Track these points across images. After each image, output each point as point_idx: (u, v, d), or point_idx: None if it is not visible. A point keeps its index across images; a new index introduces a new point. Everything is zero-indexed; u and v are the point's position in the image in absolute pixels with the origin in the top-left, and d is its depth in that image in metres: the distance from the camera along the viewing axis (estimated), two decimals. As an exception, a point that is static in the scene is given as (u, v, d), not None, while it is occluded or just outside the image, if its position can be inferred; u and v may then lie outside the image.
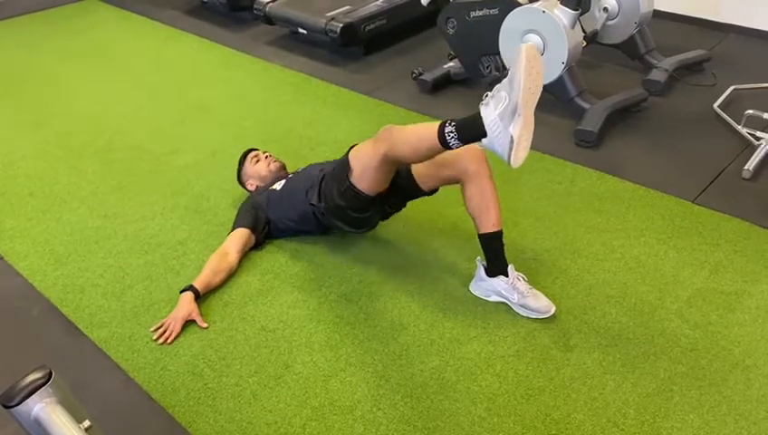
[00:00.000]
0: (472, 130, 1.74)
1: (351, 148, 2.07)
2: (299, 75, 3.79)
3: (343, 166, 2.05)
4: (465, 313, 2.07)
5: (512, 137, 1.67)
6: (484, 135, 1.71)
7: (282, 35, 4.31)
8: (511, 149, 1.68)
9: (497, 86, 1.72)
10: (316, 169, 2.30)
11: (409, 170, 2.13)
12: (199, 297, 2.12)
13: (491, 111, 1.70)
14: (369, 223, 2.24)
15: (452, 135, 1.76)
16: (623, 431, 1.69)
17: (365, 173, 2.00)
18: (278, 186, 2.39)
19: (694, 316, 2.02)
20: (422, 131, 1.84)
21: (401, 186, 2.16)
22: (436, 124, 1.78)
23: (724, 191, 2.59)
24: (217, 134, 3.20)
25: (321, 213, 2.21)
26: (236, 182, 2.63)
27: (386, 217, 2.30)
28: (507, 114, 1.67)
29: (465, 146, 1.81)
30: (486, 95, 1.74)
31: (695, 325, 1.99)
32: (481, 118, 1.71)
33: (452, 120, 1.77)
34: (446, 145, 1.78)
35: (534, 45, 1.67)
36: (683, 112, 3.16)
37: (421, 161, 2.03)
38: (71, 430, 1.01)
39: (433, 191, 2.20)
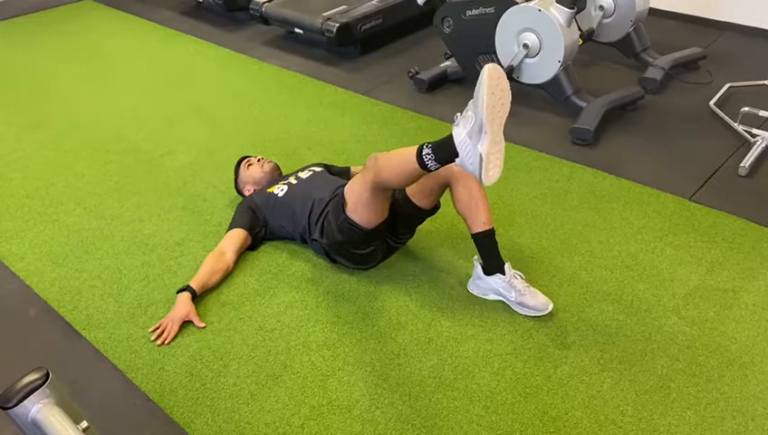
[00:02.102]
0: (446, 151, 1.76)
1: (346, 184, 2.11)
2: (295, 75, 3.79)
3: (340, 200, 2.09)
4: (463, 311, 2.07)
5: (481, 155, 1.68)
6: (457, 155, 1.74)
7: (278, 35, 4.31)
8: (481, 167, 1.69)
9: (467, 106, 1.75)
10: (318, 188, 2.30)
11: (405, 194, 2.15)
12: (196, 297, 2.12)
13: (460, 130, 1.72)
14: (372, 259, 2.24)
15: (429, 157, 1.79)
16: (621, 429, 1.69)
17: (358, 204, 2.03)
18: (279, 191, 2.37)
19: (691, 313, 2.03)
20: (403, 156, 1.87)
21: (401, 212, 2.17)
22: (416, 148, 1.82)
23: (720, 188, 2.60)
24: (214, 135, 3.20)
25: (323, 249, 2.23)
26: (233, 182, 2.62)
27: (391, 252, 2.31)
28: (475, 132, 1.70)
29: None
30: (457, 116, 1.76)
31: (692, 322, 1.99)
32: (453, 138, 1.73)
33: (429, 143, 1.80)
34: (424, 167, 1.81)
35: (497, 66, 1.70)
36: (679, 110, 3.17)
37: (406, 185, 2.06)
38: (68, 432, 1.01)
39: (435, 208, 2.21)
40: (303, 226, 2.28)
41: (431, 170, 1.83)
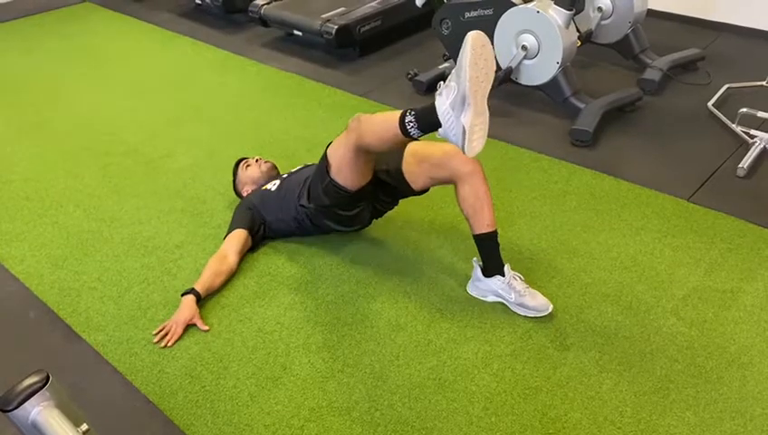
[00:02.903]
0: (429, 120, 1.73)
1: (329, 144, 2.08)
2: (294, 77, 3.79)
3: (323, 163, 2.07)
4: (462, 313, 2.08)
5: (463, 127, 1.65)
6: (440, 125, 1.71)
7: (277, 37, 4.32)
8: (464, 138, 1.66)
9: (450, 75, 1.71)
10: (308, 171, 2.31)
11: (400, 169, 2.13)
12: (200, 300, 2.12)
13: (443, 100, 1.69)
14: (360, 220, 2.24)
15: (412, 124, 1.76)
16: (620, 430, 1.70)
17: (341, 166, 2.01)
18: (272, 186, 2.39)
19: (689, 314, 2.03)
20: (386, 121, 1.83)
21: (391, 185, 2.16)
22: (399, 113, 1.79)
23: (718, 190, 2.60)
24: (213, 137, 3.20)
25: (312, 214, 2.22)
26: (232, 184, 2.62)
27: (378, 214, 2.31)
28: (458, 104, 1.66)
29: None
30: (440, 85, 1.73)
31: (690, 323, 2.00)
32: (436, 108, 1.71)
33: (412, 110, 1.77)
34: (407, 134, 1.78)
35: (481, 33, 1.64)
36: (677, 111, 3.17)
37: (389, 150, 2.02)
38: (68, 434, 1.01)
39: (424, 191, 2.20)
40: (294, 205, 2.27)
41: (414, 138, 1.80)
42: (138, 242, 2.47)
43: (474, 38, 1.63)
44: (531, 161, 2.85)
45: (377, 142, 1.89)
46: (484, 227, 2.05)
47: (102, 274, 2.32)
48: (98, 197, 2.76)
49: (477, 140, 1.68)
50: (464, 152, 1.69)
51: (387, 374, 1.88)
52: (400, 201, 2.30)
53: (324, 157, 2.07)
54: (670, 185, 2.63)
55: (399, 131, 1.78)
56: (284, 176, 2.43)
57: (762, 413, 1.72)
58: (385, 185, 2.17)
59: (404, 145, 2.07)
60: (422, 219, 2.49)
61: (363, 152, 1.95)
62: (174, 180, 2.85)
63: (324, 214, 2.19)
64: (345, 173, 2.02)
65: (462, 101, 1.66)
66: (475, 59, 1.63)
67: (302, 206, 2.23)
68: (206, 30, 4.54)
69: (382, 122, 1.86)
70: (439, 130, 1.73)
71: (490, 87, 1.70)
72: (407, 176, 2.13)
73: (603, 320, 2.03)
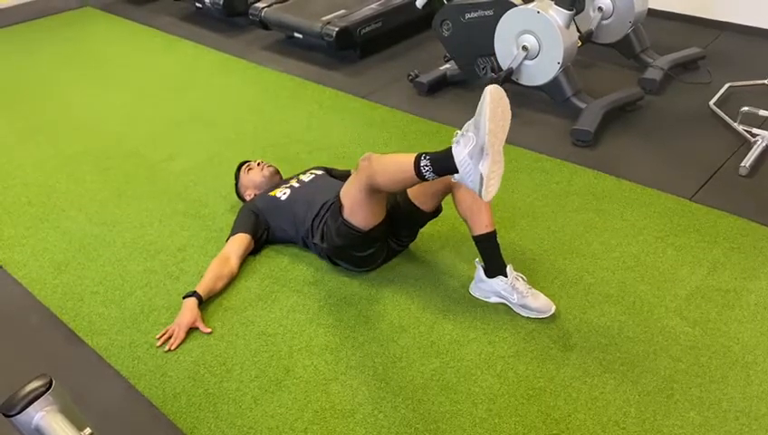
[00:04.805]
0: (445, 166, 1.79)
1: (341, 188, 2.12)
2: (295, 80, 3.79)
3: (337, 204, 2.10)
4: (465, 314, 2.07)
5: (481, 175, 1.71)
6: (457, 171, 1.76)
7: (277, 40, 4.32)
8: (482, 185, 1.72)
9: (466, 125, 1.77)
10: (321, 191, 2.30)
11: (407, 196, 2.15)
12: (202, 303, 2.12)
13: (461, 149, 1.74)
14: (374, 261, 2.25)
15: (427, 168, 1.81)
16: (624, 430, 1.69)
17: (354, 207, 2.05)
18: (282, 195, 2.38)
19: (693, 314, 2.03)
20: (399, 163, 1.89)
21: (403, 215, 2.17)
22: (413, 156, 1.83)
23: (721, 188, 2.60)
24: (214, 140, 3.20)
25: (326, 253, 2.24)
26: (234, 187, 2.62)
27: (392, 254, 2.30)
28: (476, 153, 1.72)
29: None
30: (457, 133, 1.78)
31: (694, 323, 1.99)
32: (453, 155, 1.75)
33: (427, 154, 1.82)
34: (421, 177, 1.83)
35: (498, 87, 1.72)
36: (679, 110, 3.17)
37: (400, 190, 2.08)
38: (72, 439, 1.01)
39: (436, 211, 2.21)
40: (306, 229, 2.28)
41: (428, 180, 1.85)
42: (140, 245, 2.47)
43: (492, 92, 1.69)
44: (532, 162, 2.85)
45: (389, 183, 1.95)
46: (482, 228, 2.06)
47: (104, 278, 2.32)
48: (99, 200, 2.76)
49: (493, 185, 1.74)
50: (480, 197, 1.74)
51: (390, 376, 1.88)
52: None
53: (337, 198, 2.10)
54: (672, 184, 2.63)
55: (414, 174, 1.83)
56: (294, 185, 2.41)
57: (766, 412, 1.71)
58: (400, 219, 2.19)
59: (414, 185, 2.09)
60: (424, 221, 2.49)
61: (375, 192, 1.99)
62: (175, 183, 2.85)
63: (337, 254, 2.22)
64: (357, 213, 2.06)
65: (480, 151, 1.71)
66: (494, 113, 1.69)
67: (315, 244, 2.25)
68: (207, 33, 4.55)
69: (395, 164, 1.91)
70: (455, 175, 1.78)
71: (506, 136, 1.75)
72: (413, 200, 2.14)
73: (606, 320, 2.02)
